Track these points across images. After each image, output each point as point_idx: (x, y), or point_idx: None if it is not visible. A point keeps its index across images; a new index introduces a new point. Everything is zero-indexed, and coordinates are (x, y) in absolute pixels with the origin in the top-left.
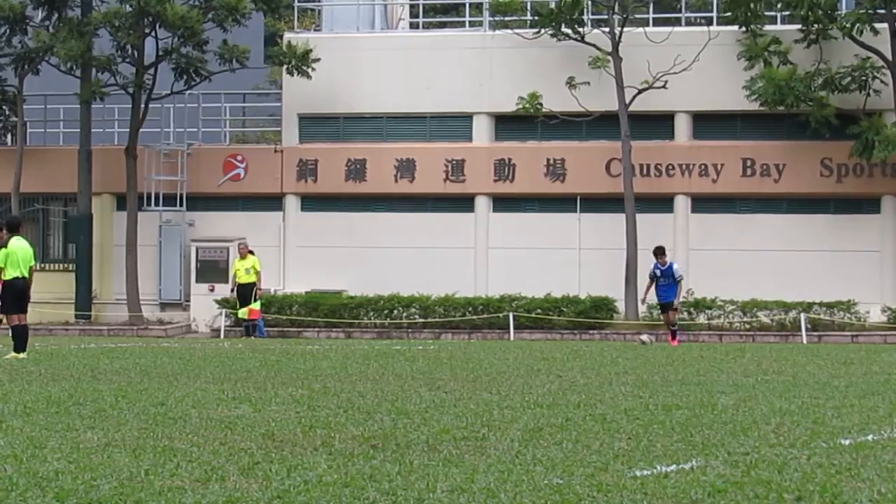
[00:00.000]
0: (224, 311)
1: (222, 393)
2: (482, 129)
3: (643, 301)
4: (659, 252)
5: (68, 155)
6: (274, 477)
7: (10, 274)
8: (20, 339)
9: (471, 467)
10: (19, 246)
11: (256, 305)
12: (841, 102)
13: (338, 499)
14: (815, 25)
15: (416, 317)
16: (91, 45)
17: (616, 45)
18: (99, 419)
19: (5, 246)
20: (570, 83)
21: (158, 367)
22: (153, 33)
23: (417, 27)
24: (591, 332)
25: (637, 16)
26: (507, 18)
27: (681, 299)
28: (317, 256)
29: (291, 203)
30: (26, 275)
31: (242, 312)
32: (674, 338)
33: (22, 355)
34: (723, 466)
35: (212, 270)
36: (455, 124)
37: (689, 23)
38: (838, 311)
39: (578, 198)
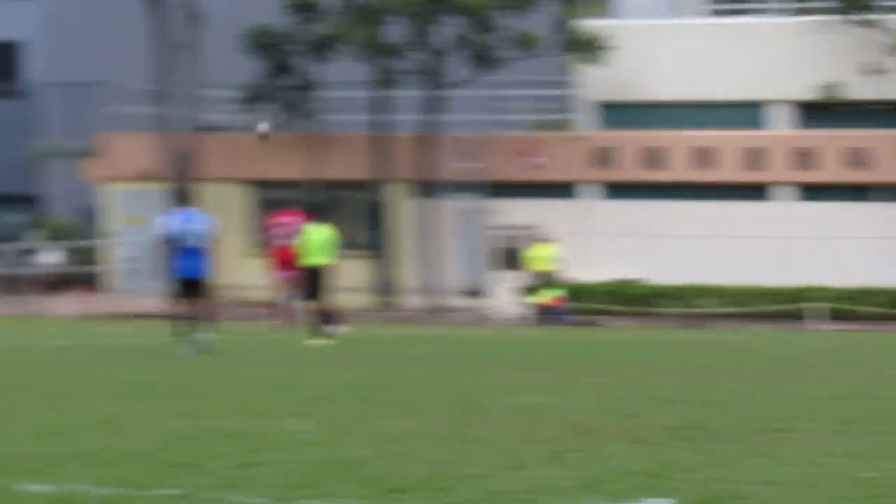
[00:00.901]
0: (524, 299)
1: (525, 381)
2: (781, 117)
3: None
4: None
5: (364, 142)
6: (581, 466)
7: (310, 260)
8: (323, 324)
9: (780, 459)
10: (317, 231)
11: (557, 293)
12: None
13: (646, 488)
14: None
15: (716, 307)
16: (383, 31)
17: None
18: (402, 406)
19: (304, 232)
20: (876, 69)
21: (458, 354)
22: (447, 20)
23: (714, 14)
24: None
25: None
26: (808, 5)
27: None
28: (616, 245)
29: (589, 191)
30: (326, 261)
31: (542, 296)
32: None
33: (325, 341)
34: None
35: (510, 258)
36: (752, 112)
37: None
38: None
39: (887, 187)
